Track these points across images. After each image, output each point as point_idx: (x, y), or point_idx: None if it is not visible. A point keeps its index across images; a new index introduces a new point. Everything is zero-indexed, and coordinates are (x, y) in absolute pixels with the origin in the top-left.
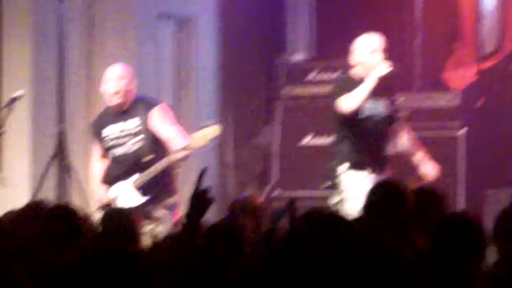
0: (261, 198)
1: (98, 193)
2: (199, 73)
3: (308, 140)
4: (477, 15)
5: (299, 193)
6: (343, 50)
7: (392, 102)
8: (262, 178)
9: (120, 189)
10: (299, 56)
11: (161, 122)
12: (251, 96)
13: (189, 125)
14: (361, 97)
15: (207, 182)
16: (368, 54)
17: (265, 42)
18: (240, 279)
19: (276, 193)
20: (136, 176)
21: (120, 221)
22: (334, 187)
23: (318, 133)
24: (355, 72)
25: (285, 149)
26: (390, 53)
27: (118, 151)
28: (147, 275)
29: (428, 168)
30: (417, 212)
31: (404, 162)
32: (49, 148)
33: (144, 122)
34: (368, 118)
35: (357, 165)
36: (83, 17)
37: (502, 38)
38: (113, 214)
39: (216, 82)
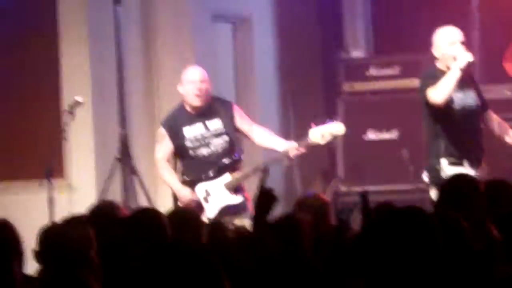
0: (325, 195)
1: (184, 194)
2: (258, 72)
3: (370, 135)
4: None
5: (365, 188)
6: (400, 45)
7: (479, 92)
8: (327, 174)
9: (209, 189)
10: (357, 52)
11: (246, 120)
12: (311, 92)
13: None
14: (448, 87)
15: (273, 181)
16: (448, 46)
17: (323, 39)
18: (302, 274)
19: (342, 188)
20: (227, 176)
21: (186, 220)
22: (434, 184)
23: (380, 128)
24: (438, 65)
25: (349, 145)
26: None
27: (202, 152)
28: (213, 272)
29: None
30: (489, 204)
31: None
32: (113, 152)
33: (229, 122)
34: (460, 109)
35: (455, 161)
36: (140, 21)
37: None
38: (179, 213)
39: (275, 80)
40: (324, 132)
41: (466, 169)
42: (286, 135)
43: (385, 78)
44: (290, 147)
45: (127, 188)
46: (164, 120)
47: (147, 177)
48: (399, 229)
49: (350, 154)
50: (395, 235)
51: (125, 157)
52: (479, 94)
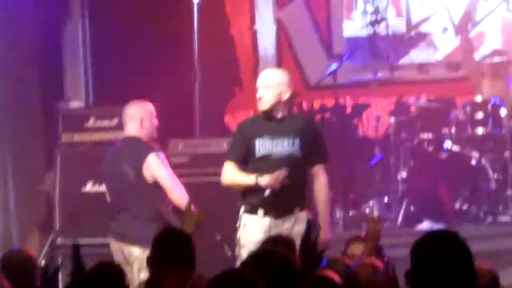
0: (31, 251)
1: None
2: None
3: (88, 187)
4: (254, 60)
5: (82, 240)
6: (120, 97)
7: (310, 144)
8: (45, 226)
9: None
10: (76, 103)
11: None
12: (31, 143)
13: None
14: (236, 183)
15: None
16: (257, 89)
17: (43, 89)
18: None
19: (58, 241)
20: None
21: None
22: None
23: (98, 179)
24: None
25: (66, 197)
26: (169, 100)
27: None
28: None
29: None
30: None
31: None
32: None
33: None
34: (264, 157)
35: (249, 209)
36: None
37: None
38: None
39: None
40: None
41: (260, 218)
42: (4, 184)
43: (104, 130)
44: None
45: None
46: None
47: None
48: None
49: (67, 206)
50: None
51: None
52: (309, 146)
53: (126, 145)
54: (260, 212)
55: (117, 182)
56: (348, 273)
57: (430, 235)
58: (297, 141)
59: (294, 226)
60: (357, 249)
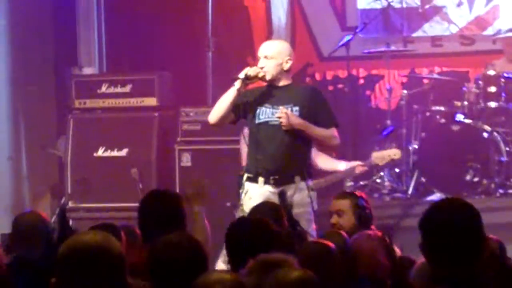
0: (43, 213)
1: None
2: None
3: (100, 152)
4: (268, 30)
5: (93, 205)
6: (133, 63)
7: (307, 112)
8: (57, 189)
9: None
10: (90, 69)
11: None
12: (43, 108)
13: None
14: (219, 107)
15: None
16: (259, 59)
17: (56, 54)
18: None
19: (70, 205)
20: None
21: None
22: (239, 199)
23: (110, 145)
24: None
25: (78, 161)
26: (182, 68)
27: None
28: None
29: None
30: None
31: None
32: None
33: None
34: (263, 124)
35: (251, 176)
36: None
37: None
38: None
39: (7, 94)
40: (384, 155)
41: (260, 186)
42: (17, 148)
43: (116, 96)
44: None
45: None
46: None
47: None
48: None
49: (79, 171)
50: None
51: None
52: (312, 114)
53: None
54: (261, 180)
55: None
56: (345, 244)
57: (439, 203)
58: (296, 108)
59: (295, 194)
60: (342, 204)
